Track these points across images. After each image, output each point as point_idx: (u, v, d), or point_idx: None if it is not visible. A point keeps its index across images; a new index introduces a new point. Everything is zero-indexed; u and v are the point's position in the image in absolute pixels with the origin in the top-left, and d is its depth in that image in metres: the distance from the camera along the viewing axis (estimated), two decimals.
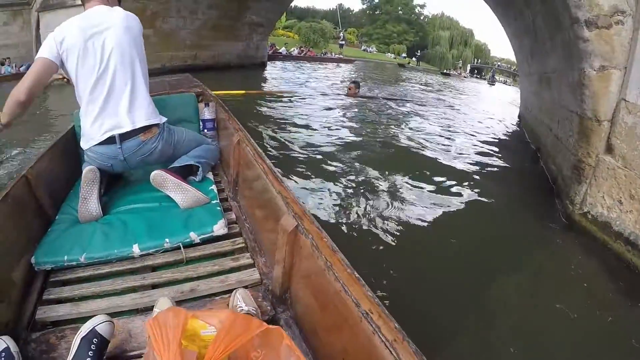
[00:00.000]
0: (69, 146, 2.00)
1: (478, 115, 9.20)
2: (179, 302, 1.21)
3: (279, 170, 1.51)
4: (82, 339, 0.95)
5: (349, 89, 8.61)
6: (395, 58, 45.58)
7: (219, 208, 1.67)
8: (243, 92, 6.48)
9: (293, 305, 1.19)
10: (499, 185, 4.16)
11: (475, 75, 40.16)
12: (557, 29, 3.33)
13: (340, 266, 0.91)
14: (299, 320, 1.14)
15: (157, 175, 1.67)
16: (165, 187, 1.68)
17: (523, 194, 3.80)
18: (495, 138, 6.51)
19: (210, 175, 2.01)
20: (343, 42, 34.11)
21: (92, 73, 1.63)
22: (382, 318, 0.76)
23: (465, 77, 35.03)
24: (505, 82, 35.08)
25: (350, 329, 0.82)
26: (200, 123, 2.44)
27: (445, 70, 35.97)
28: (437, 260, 2.44)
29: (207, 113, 2.42)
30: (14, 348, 0.96)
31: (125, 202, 1.73)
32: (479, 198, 3.61)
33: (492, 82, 30.31)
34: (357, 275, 0.88)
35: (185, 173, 1.87)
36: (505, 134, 7.11)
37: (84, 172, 1.61)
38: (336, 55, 28.80)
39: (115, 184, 1.89)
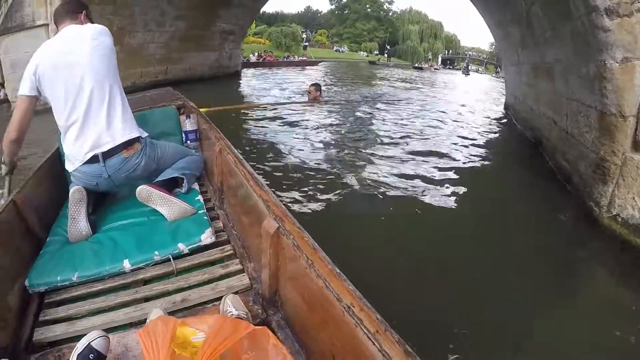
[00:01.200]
0: (56, 168, 1.98)
1: (460, 108, 9.21)
2: (171, 313, 1.22)
3: (261, 174, 1.46)
4: (78, 355, 0.93)
5: (309, 93, 7.56)
6: (367, 56, 45.68)
7: (205, 217, 1.68)
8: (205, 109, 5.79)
9: (283, 307, 1.21)
10: (505, 183, 3.98)
11: (447, 67, 40.74)
12: (564, 17, 3.11)
13: (321, 263, 0.92)
14: (290, 321, 1.16)
15: (143, 190, 1.69)
16: (152, 201, 1.70)
17: (536, 193, 3.56)
18: (487, 130, 6.45)
19: (196, 186, 2.02)
20: (307, 44, 33.21)
21: (68, 97, 1.65)
22: (364, 311, 0.77)
23: (437, 69, 35.48)
24: (477, 71, 35.67)
25: (336, 324, 0.84)
26: (183, 135, 2.45)
27: (417, 64, 36.25)
28: (449, 265, 2.28)
29: (188, 125, 2.42)
30: None
31: (114, 219, 1.75)
32: (487, 200, 3.41)
33: (466, 72, 30.74)
34: (338, 270, 0.89)
35: (171, 186, 1.88)
36: (496, 126, 7.05)
37: (70, 192, 1.63)
38: (299, 58, 27.23)
39: (102, 202, 1.89)
